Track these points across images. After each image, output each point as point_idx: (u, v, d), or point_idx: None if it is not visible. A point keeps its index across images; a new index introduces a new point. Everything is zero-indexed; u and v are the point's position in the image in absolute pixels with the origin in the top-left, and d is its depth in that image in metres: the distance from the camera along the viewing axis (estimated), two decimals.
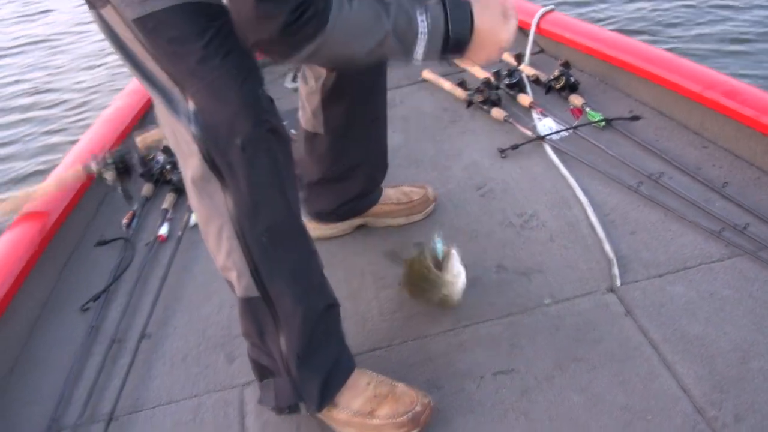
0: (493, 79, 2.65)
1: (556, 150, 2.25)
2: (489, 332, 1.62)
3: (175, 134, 1.17)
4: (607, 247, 1.80)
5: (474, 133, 2.46)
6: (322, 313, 1.35)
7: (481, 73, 2.73)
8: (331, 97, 1.68)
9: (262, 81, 1.16)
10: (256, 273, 1.22)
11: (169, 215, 2.26)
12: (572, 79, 2.57)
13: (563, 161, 2.19)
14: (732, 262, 1.70)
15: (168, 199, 2.32)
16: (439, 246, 1.65)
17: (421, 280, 1.66)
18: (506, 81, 2.64)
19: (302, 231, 1.30)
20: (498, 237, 1.92)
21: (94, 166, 2.23)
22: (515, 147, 2.29)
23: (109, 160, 2.24)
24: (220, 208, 1.17)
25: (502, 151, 2.30)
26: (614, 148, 2.17)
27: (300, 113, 1.78)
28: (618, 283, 1.69)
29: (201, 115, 1.10)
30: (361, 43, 1.15)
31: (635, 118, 2.35)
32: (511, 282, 1.75)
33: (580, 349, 1.54)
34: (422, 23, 1.17)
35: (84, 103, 5.14)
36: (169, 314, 1.87)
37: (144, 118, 2.90)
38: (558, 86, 2.58)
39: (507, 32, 1.29)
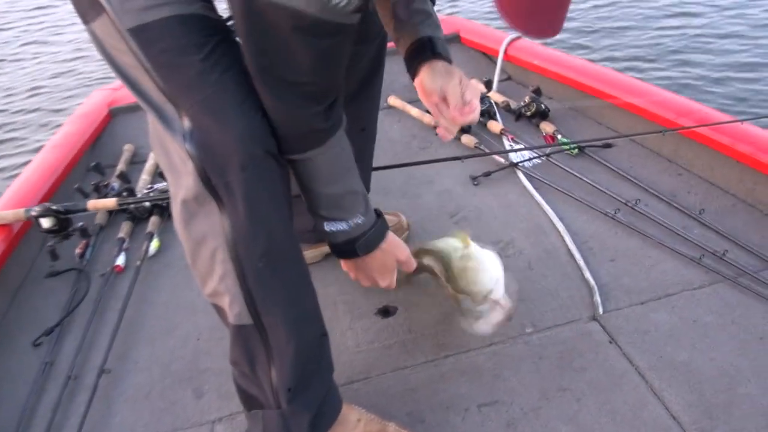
0: None
1: (529, 177, 2.30)
2: (471, 362, 1.64)
3: (168, 152, 1.16)
4: (588, 274, 1.84)
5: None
6: (315, 344, 1.34)
7: None
8: None
9: (260, 102, 1.16)
10: (249, 300, 1.20)
11: (125, 245, 2.23)
12: (543, 106, 2.64)
13: (537, 188, 2.24)
14: (713, 288, 1.76)
15: (124, 228, 2.29)
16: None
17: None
18: None
19: (299, 256, 1.29)
20: None
21: (35, 210, 2.19)
22: (488, 174, 2.34)
23: (53, 207, 2.20)
24: (216, 230, 1.16)
25: (474, 178, 2.35)
26: (589, 175, 2.24)
27: None
28: (600, 310, 1.73)
29: (198, 132, 1.10)
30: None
31: (607, 145, 2.42)
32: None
33: (565, 378, 1.57)
34: (358, 217, 1.39)
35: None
36: (129, 348, 1.84)
37: (95, 144, 2.88)
38: (529, 113, 2.65)
39: (375, 278, 1.52)
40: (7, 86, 6.07)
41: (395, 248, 1.51)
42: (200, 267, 1.24)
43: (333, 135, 1.26)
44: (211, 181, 1.12)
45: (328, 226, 1.38)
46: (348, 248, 1.42)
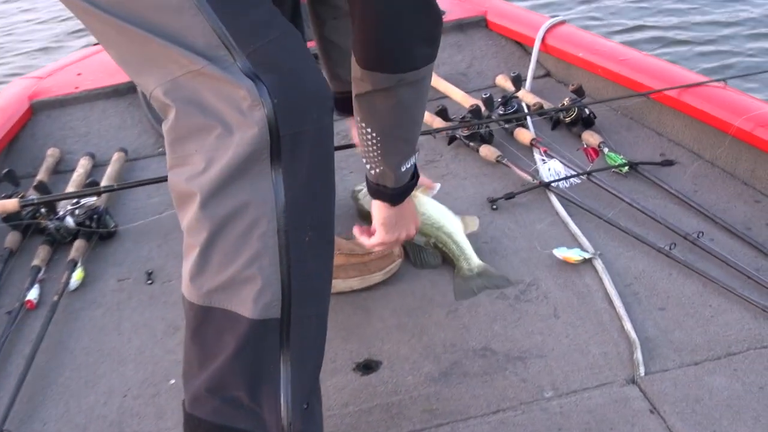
0: (483, 108, 2.76)
1: (564, 201, 2.37)
2: None
3: (210, 108, 1.25)
4: (628, 325, 1.89)
5: (457, 177, 2.57)
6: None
7: (466, 100, 2.86)
8: None
9: None
10: (287, 283, 1.29)
11: (41, 275, 2.30)
12: (587, 111, 2.70)
13: (573, 215, 2.31)
14: None
15: (41, 254, 2.36)
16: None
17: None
18: (500, 111, 2.77)
19: (333, 235, 1.41)
20: (485, 311, 2.01)
21: None
22: (510, 196, 2.41)
23: None
24: (263, 195, 1.25)
25: (492, 201, 2.42)
26: (640, 201, 2.30)
27: None
28: (642, 371, 1.77)
29: (271, 75, 1.22)
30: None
31: (667, 162, 2.49)
32: (501, 369, 1.83)
33: None
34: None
35: None
36: (36, 405, 1.89)
37: (10, 146, 2.96)
38: (568, 119, 2.73)
39: (412, 223, 1.96)
40: None
41: None
42: (220, 250, 1.29)
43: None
44: (279, 132, 1.22)
45: (406, 165, 1.70)
46: (411, 184, 1.79)
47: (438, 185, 2.30)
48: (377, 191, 1.79)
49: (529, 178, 2.47)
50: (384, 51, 1.46)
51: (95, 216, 2.43)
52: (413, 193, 1.87)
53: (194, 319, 1.35)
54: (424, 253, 2.19)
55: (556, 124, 2.77)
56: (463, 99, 2.91)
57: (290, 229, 1.27)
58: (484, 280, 2.09)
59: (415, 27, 1.43)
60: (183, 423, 1.43)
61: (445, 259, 2.17)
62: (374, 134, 1.61)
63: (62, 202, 2.56)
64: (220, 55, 1.22)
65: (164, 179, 2.27)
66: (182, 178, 1.29)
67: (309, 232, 1.30)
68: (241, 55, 1.22)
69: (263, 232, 1.26)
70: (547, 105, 2.81)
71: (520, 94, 2.89)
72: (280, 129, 1.22)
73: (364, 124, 1.61)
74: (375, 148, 1.64)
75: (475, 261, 2.13)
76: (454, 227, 2.19)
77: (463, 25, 3.46)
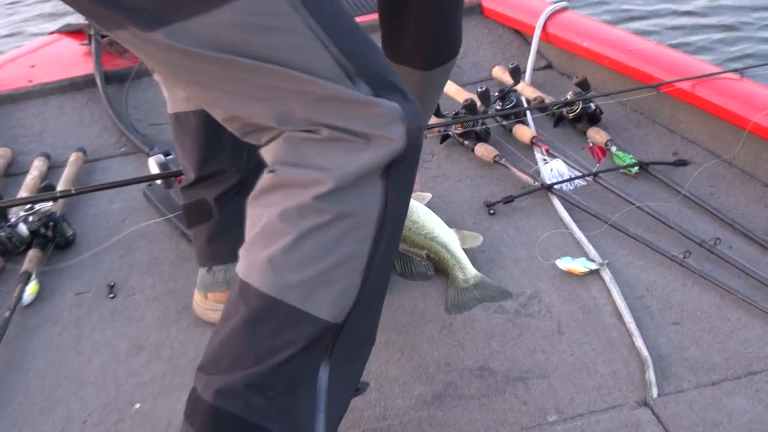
0: (479, 103, 2.75)
1: (567, 205, 2.36)
2: None
3: (347, 127, 1.33)
4: (639, 342, 1.88)
5: (450, 179, 2.56)
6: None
7: (460, 94, 2.85)
8: None
9: None
10: (363, 289, 1.38)
11: None
12: (592, 106, 2.70)
13: (578, 221, 2.30)
14: None
15: None
16: None
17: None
18: (498, 106, 2.75)
19: None
20: (482, 327, 2.00)
21: None
22: (509, 200, 2.40)
23: None
24: (372, 204, 1.36)
25: (490, 205, 2.41)
26: (651, 204, 2.29)
27: (167, 96, 2.01)
28: (654, 393, 1.77)
29: (393, 94, 1.35)
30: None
31: (681, 162, 2.48)
32: (500, 390, 1.82)
33: None
34: None
35: None
36: None
37: None
38: (571, 115, 2.71)
39: None
40: None
41: None
42: (316, 243, 1.36)
43: None
44: (409, 146, 1.35)
45: None
46: None
47: (429, 195, 2.34)
48: None
49: (529, 179, 2.47)
50: (449, 40, 1.65)
51: (51, 223, 2.41)
52: None
53: (257, 308, 1.38)
54: (414, 263, 2.18)
55: (558, 120, 2.76)
56: (456, 93, 2.89)
57: (380, 240, 1.37)
58: (481, 292, 2.08)
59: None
60: (200, 415, 1.41)
61: (438, 269, 2.16)
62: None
63: (14, 208, 2.54)
64: (344, 81, 1.33)
65: (127, 182, 2.29)
66: (300, 171, 1.35)
67: (391, 246, 1.42)
68: (360, 78, 1.34)
69: (361, 238, 1.36)
70: (548, 99, 2.80)
71: (519, 87, 2.88)
72: (412, 143, 1.35)
73: None
74: None
75: (471, 271, 2.12)
76: (448, 237, 2.19)
77: None
